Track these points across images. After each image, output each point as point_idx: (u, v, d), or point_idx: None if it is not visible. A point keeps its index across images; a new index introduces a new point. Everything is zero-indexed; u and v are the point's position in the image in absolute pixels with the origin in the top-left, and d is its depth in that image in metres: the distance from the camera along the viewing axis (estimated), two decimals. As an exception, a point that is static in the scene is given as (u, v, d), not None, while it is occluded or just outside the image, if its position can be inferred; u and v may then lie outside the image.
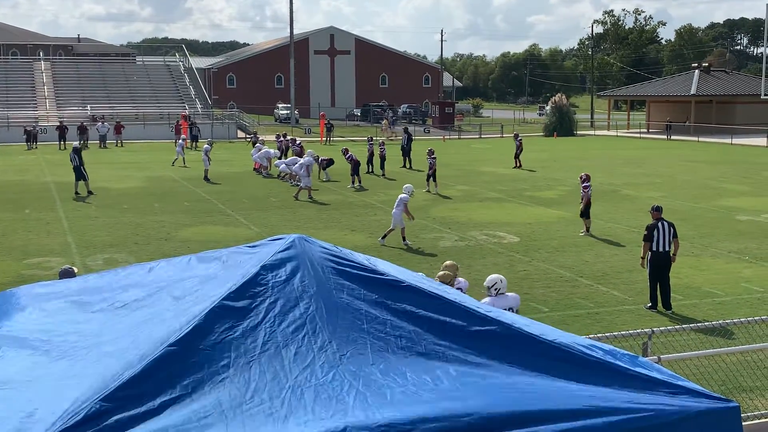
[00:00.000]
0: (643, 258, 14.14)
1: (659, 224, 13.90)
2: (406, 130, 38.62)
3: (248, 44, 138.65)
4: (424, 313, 3.98)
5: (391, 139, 51.94)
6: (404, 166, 36.25)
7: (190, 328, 3.68)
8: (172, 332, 3.73)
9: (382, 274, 4.17)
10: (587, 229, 20.61)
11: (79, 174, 27.52)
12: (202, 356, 3.57)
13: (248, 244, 4.59)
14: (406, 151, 36.93)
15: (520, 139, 37.93)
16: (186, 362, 3.53)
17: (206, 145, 33.50)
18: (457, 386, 3.49)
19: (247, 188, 29.74)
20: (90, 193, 27.47)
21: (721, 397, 3.68)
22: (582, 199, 20.64)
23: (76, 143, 29.90)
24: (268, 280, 3.95)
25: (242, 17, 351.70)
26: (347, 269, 4.13)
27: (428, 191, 27.97)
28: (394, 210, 19.31)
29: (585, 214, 20.64)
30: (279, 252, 4.14)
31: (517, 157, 37.13)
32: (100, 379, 3.45)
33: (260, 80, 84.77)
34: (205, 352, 3.58)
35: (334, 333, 3.73)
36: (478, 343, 3.81)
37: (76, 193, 27.33)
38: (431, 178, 28.47)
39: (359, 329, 3.82)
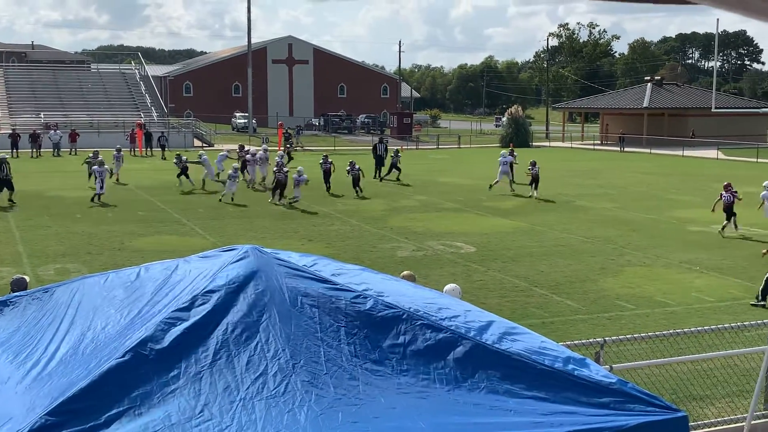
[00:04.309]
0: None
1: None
2: (381, 140, 38.84)
3: (206, 52, 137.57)
4: (378, 321, 3.97)
5: (297, 150, 51.68)
6: (376, 177, 35.98)
7: (139, 339, 3.62)
8: (121, 344, 3.68)
9: (337, 283, 4.16)
10: None
11: (7, 184, 26.91)
12: (151, 368, 3.51)
13: (200, 254, 4.55)
14: (379, 161, 36.72)
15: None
16: (135, 374, 3.47)
17: (224, 153, 33.64)
18: (399, 402, 3.50)
19: (203, 198, 29.47)
20: (11, 202, 26.76)
21: (671, 406, 3.73)
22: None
23: (3, 154, 28.52)
24: (220, 289, 3.92)
25: (201, 25, 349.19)
26: (301, 278, 4.12)
27: (531, 196, 29.09)
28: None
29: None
30: (232, 262, 4.11)
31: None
32: (46, 393, 3.38)
33: (218, 89, 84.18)
34: (154, 364, 3.53)
35: (287, 341, 3.71)
36: (429, 352, 3.82)
37: (10, 200, 26.77)
38: (533, 184, 30.42)
39: (313, 337, 3.80)
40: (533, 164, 30.57)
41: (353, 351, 3.75)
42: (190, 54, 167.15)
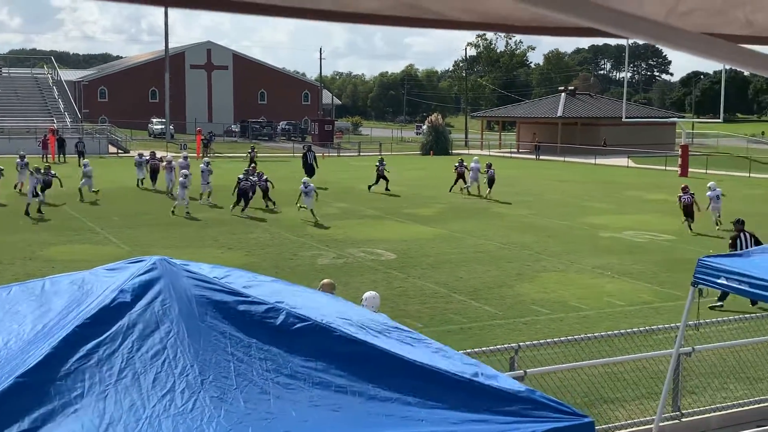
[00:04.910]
0: None
1: (741, 235, 15.78)
2: (309, 148, 38.61)
3: (122, 57, 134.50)
4: (291, 334, 3.94)
5: (208, 157, 50.25)
6: None
7: (40, 358, 3.49)
8: (23, 361, 3.54)
9: (248, 296, 4.11)
10: None
11: None
12: (53, 387, 3.39)
13: (107, 266, 4.43)
14: (309, 170, 36.52)
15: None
16: (36, 394, 3.34)
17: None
18: (311, 415, 3.48)
19: (118, 205, 28.76)
20: None
21: (577, 412, 3.81)
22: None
23: None
24: (126, 304, 3.81)
25: (117, 29, 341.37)
26: (212, 291, 4.04)
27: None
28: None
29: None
30: (139, 275, 4.01)
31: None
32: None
33: (134, 94, 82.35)
34: (56, 383, 3.41)
35: (196, 357, 3.63)
36: (342, 364, 3.80)
37: None
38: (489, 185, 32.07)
39: (223, 352, 3.73)
40: (489, 166, 32.94)
41: (265, 365, 3.70)
42: (105, 58, 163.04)
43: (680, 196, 24.60)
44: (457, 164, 34.99)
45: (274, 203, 28.66)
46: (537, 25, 1.68)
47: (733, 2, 1.69)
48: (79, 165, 42.71)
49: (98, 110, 78.76)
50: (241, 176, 27.48)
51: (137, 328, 3.73)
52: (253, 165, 34.78)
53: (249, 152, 43.35)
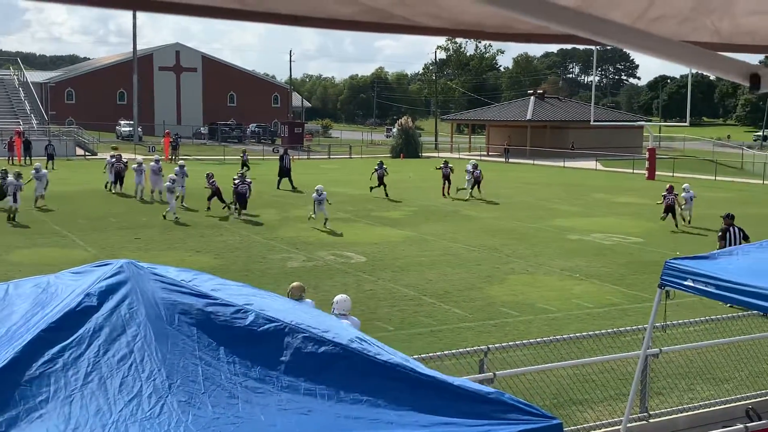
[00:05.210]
0: None
1: (731, 229, 16.22)
2: (286, 151, 38.62)
3: (89, 59, 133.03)
4: (260, 336, 3.91)
5: (171, 160, 49.56)
6: (279, 188, 35.49)
7: (4, 362, 3.43)
8: (-15, 367, 3.48)
9: (216, 299, 4.07)
10: None
11: None
12: (18, 392, 3.33)
13: (72, 270, 4.37)
14: (284, 173, 36.21)
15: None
16: (0, 399, 3.29)
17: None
18: (279, 419, 3.46)
19: (84, 208, 28.41)
20: None
21: (546, 414, 3.83)
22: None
23: None
24: (92, 308, 3.76)
25: (85, 31, 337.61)
26: (179, 294, 4.00)
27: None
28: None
29: None
30: (105, 278, 3.95)
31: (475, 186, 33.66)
32: None
33: (102, 96, 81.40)
34: (21, 388, 3.35)
35: (163, 361, 3.59)
36: (312, 366, 3.79)
37: None
38: (475, 186, 33.13)
39: (191, 355, 3.70)
40: (475, 166, 34.03)
41: (233, 369, 3.67)
42: (72, 60, 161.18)
43: (665, 195, 26.17)
44: (442, 165, 35.15)
45: (234, 207, 27.32)
46: (507, 32, 1.69)
47: (701, 10, 1.71)
48: (52, 168, 41.70)
49: (65, 112, 77.75)
50: (236, 179, 27.14)
51: (103, 332, 3.68)
52: (246, 168, 34.96)
53: (241, 156, 43.02)
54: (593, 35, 1.47)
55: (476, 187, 33.62)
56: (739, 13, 1.75)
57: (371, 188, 33.91)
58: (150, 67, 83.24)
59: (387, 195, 33.22)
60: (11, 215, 25.07)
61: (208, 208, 27.51)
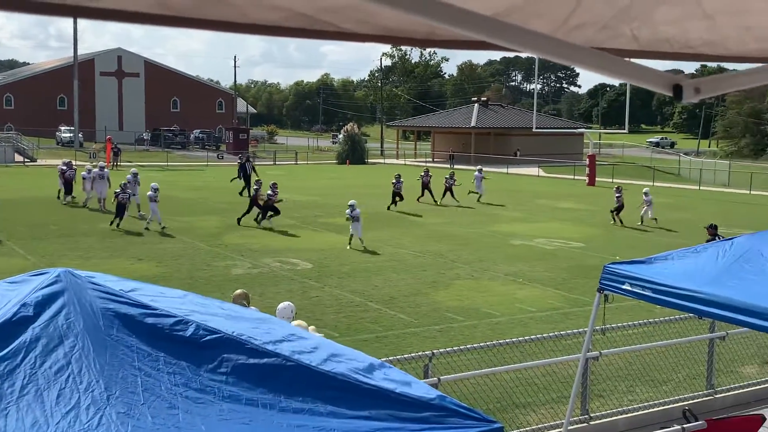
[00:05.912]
0: None
1: (715, 239, 16.64)
2: (248, 158, 38.22)
3: (29, 63, 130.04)
4: (201, 347, 3.88)
5: (117, 168, 48.52)
6: (242, 193, 34.96)
7: (-65, 375, 3.36)
8: None
9: (156, 309, 4.03)
10: None
11: None
12: (-51, 406, 3.26)
13: (7, 280, 4.27)
14: (247, 180, 35.71)
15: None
16: (-70, 413, 3.21)
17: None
18: (220, 429, 3.44)
19: (24, 215, 27.73)
20: None
21: (487, 418, 3.89)
22: None
23: None
24: (28, 318, 3.69)
25: (24, 35, 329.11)
26: (117, 304, 3.95)
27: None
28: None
29: None
30: (41, 288, 3.88)
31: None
32: None
33: (41, 101, 79.66)
34: (-47, 401, 3.28)
35: (101, 372, 3.54)
36: (253, 377, 3.78)
37: None
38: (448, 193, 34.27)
39: (130, 366, 3.65)
40: (451, 175, 35.60)
41: (173, 379, 3.64)
42: (11, 65, 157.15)
43: (618, 197, 29.10)
44: (422, 174, 35.62)
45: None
46: (434, 39, 1.72)
47: (621, 18, 1.76)
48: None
49: (4, 118, 75.91)
50: (258, 188, 27.62)
51: (40, 343, 3.61)
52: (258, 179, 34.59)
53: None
54: (513, 44, 1.50)
55: (449, 194, 34.66)
56: (659, 20, 1.81)
57: (389, 207, 31.94)
58: (91, 72, 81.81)
59: (395, 204, 32.04)
60: None
61: (264, 218, 26.81)
